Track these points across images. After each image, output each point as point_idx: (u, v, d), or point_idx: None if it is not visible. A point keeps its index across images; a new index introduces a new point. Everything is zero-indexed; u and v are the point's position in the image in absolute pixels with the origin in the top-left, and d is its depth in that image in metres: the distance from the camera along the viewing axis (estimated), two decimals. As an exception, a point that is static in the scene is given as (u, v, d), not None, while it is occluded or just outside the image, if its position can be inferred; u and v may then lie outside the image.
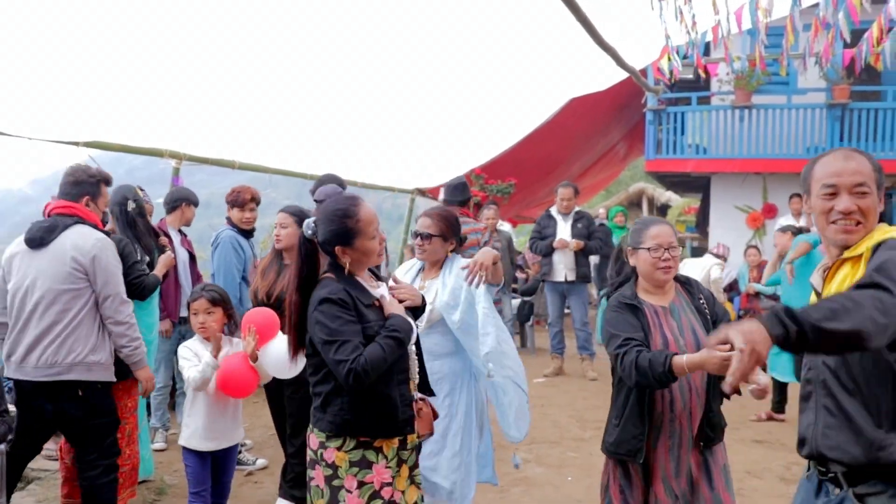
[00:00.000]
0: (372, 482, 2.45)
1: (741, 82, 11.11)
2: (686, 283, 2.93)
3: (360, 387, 2.36)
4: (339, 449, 2.46)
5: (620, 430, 2.72)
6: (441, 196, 6.49)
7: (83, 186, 3.60)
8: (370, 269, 2.70)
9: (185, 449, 3.55)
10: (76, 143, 5.57)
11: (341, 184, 5.60)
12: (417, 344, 2.73)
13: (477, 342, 3.37)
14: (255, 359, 3.45)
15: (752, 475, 4.87)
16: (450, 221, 3.51)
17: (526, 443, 5.49)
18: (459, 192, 5.99)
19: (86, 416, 3.42)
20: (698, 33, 7.31)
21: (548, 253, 7.73)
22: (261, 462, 4.97)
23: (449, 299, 3.40)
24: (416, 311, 2.80)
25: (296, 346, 2.58)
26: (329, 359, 2.38)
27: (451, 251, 3.55)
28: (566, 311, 8.17)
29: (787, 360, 5.77)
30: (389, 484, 2.48)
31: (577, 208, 7.93)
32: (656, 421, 2.68)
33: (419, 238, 3.49)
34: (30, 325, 3.41)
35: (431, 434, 2.76)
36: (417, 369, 2.72)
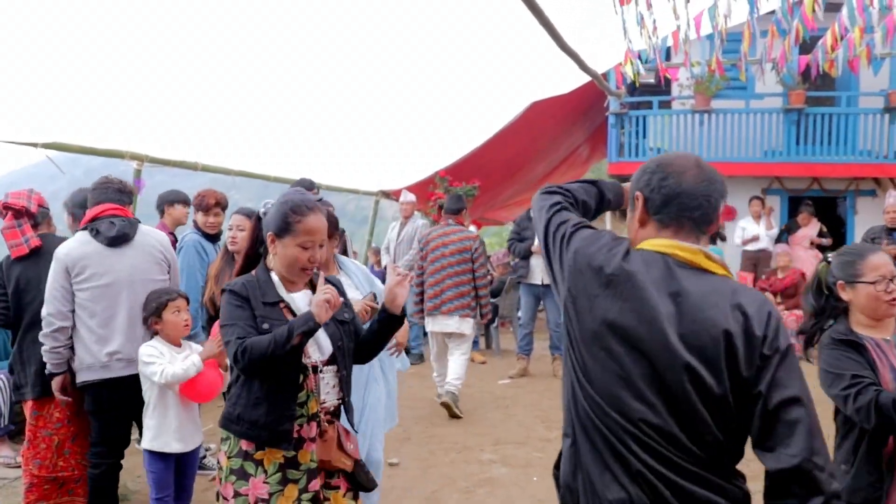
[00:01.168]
0: (246, 495, 2.38)
1: (701, 87, 11.30)
2: None
3: (240, 368, 2.33)
4: (226, 454, 2.44)
5: (853, 477, 2.43)
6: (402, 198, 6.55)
7: (128, 196, 3.86)
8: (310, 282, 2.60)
9: (150, 453, 3.49)
10: (34, 145, 5.48)
11: (311, 186, 5.62)
12: (342, 364, 2.56)
13: None
14: (225, 367, 3.46)
15: None
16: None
17: (491, 443, 5.54)
18: (454, 203, 6.73)
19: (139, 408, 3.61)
20: (659, 38, 7.43)
21: (526, 255, 7.77)
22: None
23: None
24: (396, 321, 2.64)
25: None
26: (224, 343, 2.41)
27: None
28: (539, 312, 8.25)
29: None
30: (266, 500, 2.37)
31: None
32: (889, 466, 2.41)
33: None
34: (118, 318, 3.58)
35: (332, 465, 2.52)
36: (336, 390, 2.55)
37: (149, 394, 3.51)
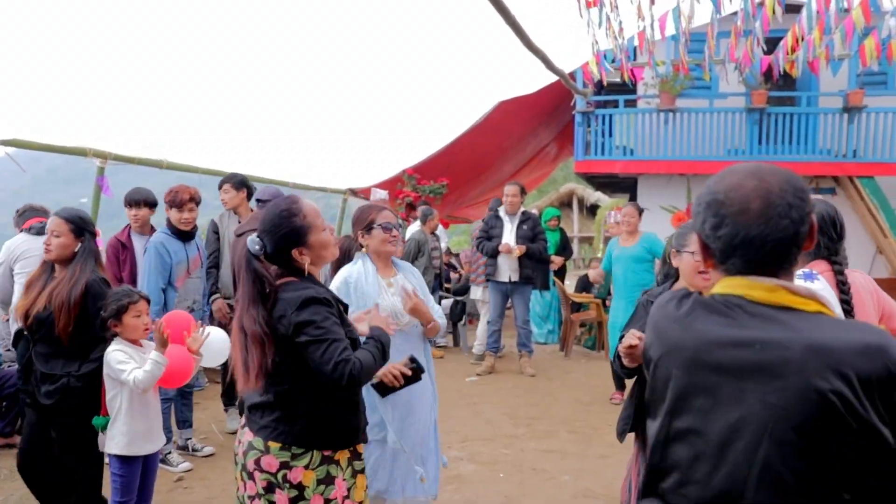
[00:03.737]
0: (336, 498, 2.37)
1: (666, 86, 11.44)
2: None
3: (353, 388, 2.34)
4: (306, 467, 2.31)
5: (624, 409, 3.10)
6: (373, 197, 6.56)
7: None
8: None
9: (117, 457, 3.39)
10: (-7, 142, 5.38)
11: (242, 181, 5.61)
12: None
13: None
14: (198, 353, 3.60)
15: None
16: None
17: (458, 440, 5.57)
18: None
19: None
20: (625, 39, 7.53)
21: (493, 254, 7.81)
22: (184, 466, 4.88)
23: (419, 289, 3.47)
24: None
25: (266, 365, 2.29)
26: (317, 358, 2.25)
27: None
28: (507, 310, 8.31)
29: None
30: (347, 497, 2.41)
31: (523, 209, 8.00)
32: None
33: (391, 230, 3.40)
34: None
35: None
36: None
37: (118, 398, 3.39)
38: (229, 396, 5.68)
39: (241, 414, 3.71)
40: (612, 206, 20.57)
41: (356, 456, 2.50)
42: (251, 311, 2.30)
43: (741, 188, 1.38)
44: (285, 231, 2.36)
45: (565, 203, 22.21)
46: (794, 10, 7.70)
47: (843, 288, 2.49)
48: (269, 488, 2.32)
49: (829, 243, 2.60)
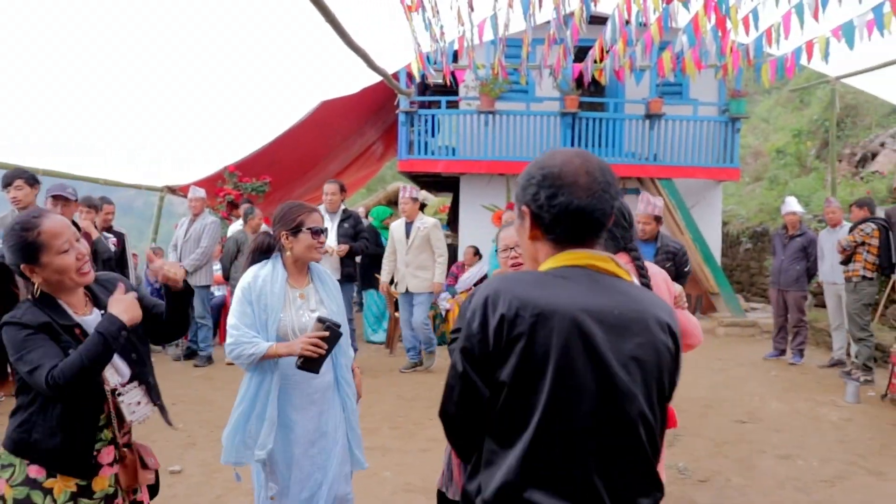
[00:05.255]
0: None
1: (485, 89, 11.81)
2: None
3: (59, 394, 2.12)
4: (7, 481, 2.21)
5: None
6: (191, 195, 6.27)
7: None
8: (91, 292, 2.44)
9: None
10: None
11: (33, 178, 5.24)
12: (144, 374, 2.44)
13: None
14: None
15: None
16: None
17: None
18: None
19: None
20: (446, 42, 7.69)
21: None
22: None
23: (336, 307, 3.19)
24: (182, 295, 2.52)
25: None
26: (24, 373, 2.16)
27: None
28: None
29: None
30: None
31: (344, 206, 7.94)
32: None
33: (320, 236, 3.12)
34: None
35: (137, 485, 2.45)
36: (145, 404, 2.44)
37: None
38: None
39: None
40: (438, 204, 21.01)
41: (87, 493, 2.29)
42: None
43: (572, 164, 1.58)
44: (14, 243, 2.24)
45: (393, 201, 22.35)
46: (600, 21, 8.20)
47: (642, 272, 2.89)
48: None
49: (624, 234, 2.99)
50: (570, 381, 1.45)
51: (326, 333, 2.90)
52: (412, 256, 7.81)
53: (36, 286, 2.27)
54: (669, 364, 1.56)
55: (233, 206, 10.88)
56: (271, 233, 3.17)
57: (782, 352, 9.14)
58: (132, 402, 2.38)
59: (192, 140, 11.07)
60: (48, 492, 2.22)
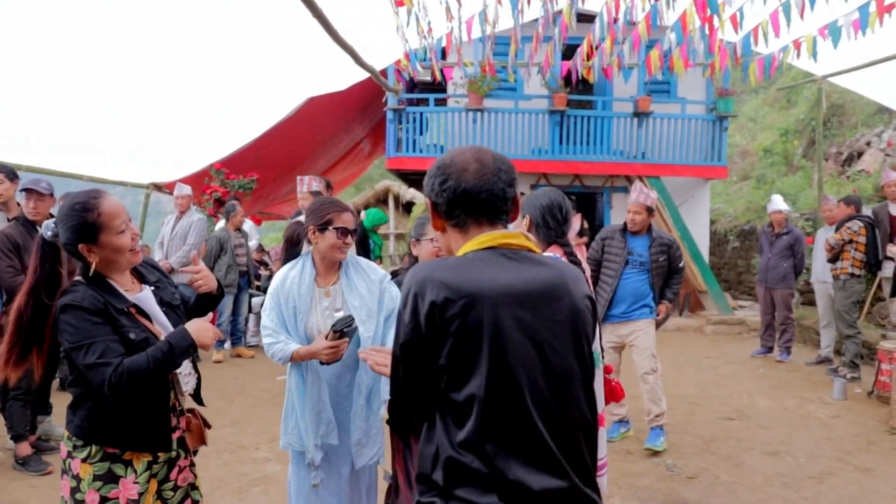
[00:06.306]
0: (116, 498, 2.29)
1: (473, 87, 11.80)
2: None
3: (116, 396, 2.19)
4: (84, 460, 2.30)
5: None
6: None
7: None
8: (137, 270, 2.50)
9: None
10: None
11: (13, 172, 5.20)
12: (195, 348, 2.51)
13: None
14: None
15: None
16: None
17: (267, 441, 5.45)
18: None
19: None
20: (434, 39, 7.66)
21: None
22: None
23: (357, 302, 3.09)
24: (213, 299, 2.71)
25: (17, 354, 2.28)
26: (81, 364, 2.19)
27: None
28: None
29: None
30: (136, 501, 2.31)
31: None
32: None
33: (347, 237, 3.06)
34: None
35: (204, 444, 2.62)
36: (194, 378, 2.60)
37: None
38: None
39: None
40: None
41: (156, 460, 2.42)
42: (21, 300, 2.28)
43: (462, 155, 1.74)
44: (75, 224, 2.26)
45: (381, 200, 22.30)
46: (588, 19, 8.20)
47: (573, 259, 3.16)
48: (61, 474, 2.37)
49: (557, 226, 3.20)
50: (505, 352, 1.56)
51: (344, 341, 2.91)
52: None
53: (92, 266, 2.31)
54: (589, 319, 1.71)
55: (220, 203, 10.82)
56: (303, 223, 3.14)
57: (770, 349, 9.18)
58: (185, 372, 2.52)
59: (177, 137, 10.98)
60: (128, 463, 2.33)
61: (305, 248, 3.18)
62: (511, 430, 1.56)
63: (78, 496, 2.29)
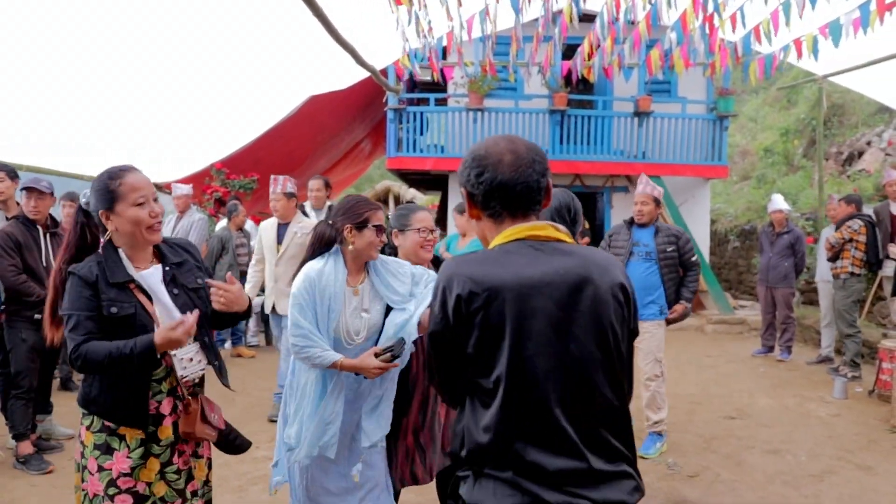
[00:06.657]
0: (110, 469, 2.38)
1: (474, 86, 11.79)
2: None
3: (83, 371, 2.32)
4: (87, 428, 2.43)
5: None
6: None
7: None
8: (160, 250, 2.50)
9: None
10: None
11: (13, 171, 5.23)
12: (201, 333, 2.49)
13: None
14: None
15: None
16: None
17: (267, 441, 5.44)
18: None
19: None
20: (434, 38, 7.66)
21: None
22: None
23: (379, 306, 3.02)
24: (231, 317, 2.60)
25: (57, 314, 2.43)
26: (65, 333, 2.33)
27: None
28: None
29: None
30: (128, 474, 2.38)
31: (330, 204, 7.83)
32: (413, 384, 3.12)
33: (383, 235, 2.99)
34: None
35: (193, 432, 2.51)
36: (199, 362, 2.50)
37: None
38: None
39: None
40: (427, 203, 20.98)
41: (154, 440, 2.45)
42: (57, 267, 2.42)
43: (497, 146, 1.77)
44: (98, 189, 2.38)
45: (382, 199, 22.33)
46: (589, 19, 8.20)
47: None
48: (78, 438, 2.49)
49: (566, 227, 3.09)
50: (525, 342, 1.63)
51: (395, 364, 2.88)
52: (283, 268, 6.41)
53: (108, 233, 2.40)
54: (618, 311, 1.71)
55: (220, 203, 10.82)
56: (332, 223, 3.01)
57: (770, 348, 9.17)
58: (184, 357, 2.47)
59: (178, 137, 10.99)
60: (122, 437, 2.40)
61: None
62: (528, 415, 1.64)
63: (83, 461, 2.42)
